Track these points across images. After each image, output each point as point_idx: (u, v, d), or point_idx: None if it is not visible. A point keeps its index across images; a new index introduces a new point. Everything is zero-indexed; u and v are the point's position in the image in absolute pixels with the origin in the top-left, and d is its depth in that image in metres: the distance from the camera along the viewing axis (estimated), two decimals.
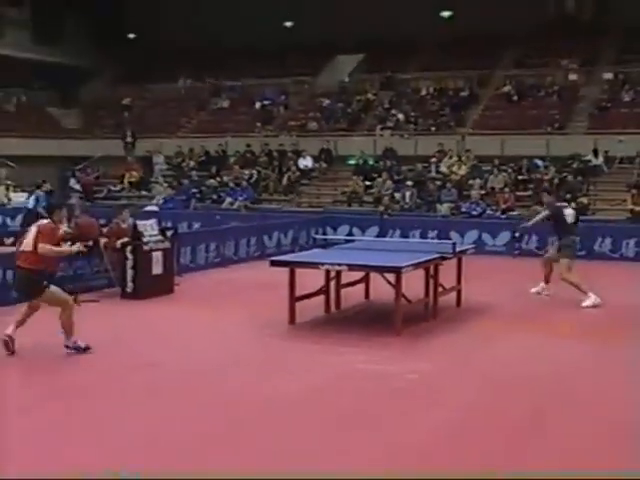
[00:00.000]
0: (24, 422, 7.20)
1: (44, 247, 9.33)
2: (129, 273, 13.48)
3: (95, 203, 26.79)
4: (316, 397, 8.13)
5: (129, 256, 13.53)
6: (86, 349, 9.59)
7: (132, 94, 36.12)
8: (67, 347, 9.58)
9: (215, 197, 27.07)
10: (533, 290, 14.09)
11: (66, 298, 9.62)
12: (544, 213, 13.89)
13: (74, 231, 11.87)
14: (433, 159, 26.31)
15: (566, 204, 14.65)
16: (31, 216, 19.67)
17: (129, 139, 32.27)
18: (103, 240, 13.88)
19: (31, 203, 22.14)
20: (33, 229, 9.56)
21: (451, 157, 26.21)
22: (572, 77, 29.60)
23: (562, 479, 6.14)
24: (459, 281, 13.11)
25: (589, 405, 7.91)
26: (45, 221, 9.67)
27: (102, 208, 23.14)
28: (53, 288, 9.52)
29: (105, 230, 14.50)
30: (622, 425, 7.30)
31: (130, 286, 13.48)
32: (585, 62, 30.11)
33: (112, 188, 29.51)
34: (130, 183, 29.50)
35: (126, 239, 13.66)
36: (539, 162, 24.86)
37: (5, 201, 26.69)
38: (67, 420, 7.32)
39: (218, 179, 28.13)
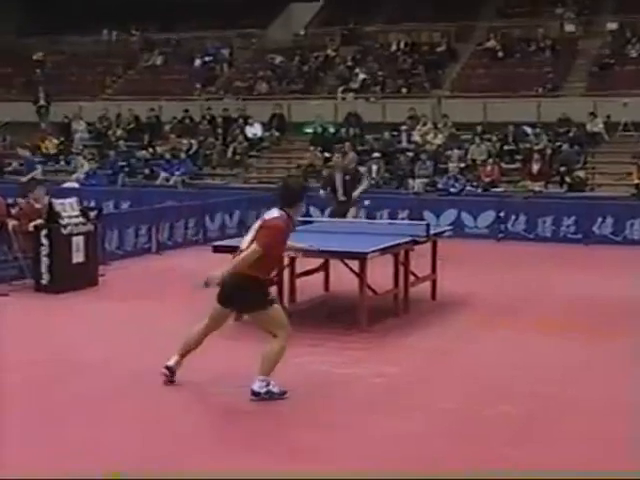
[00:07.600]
0: None
1: None
2: (44, 262, 13.38)
3: (4, 178, 26.55)
4: (261, 407, 8.16)
5: (44, 241, 13.43)
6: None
7: (45, 47, 35.66)
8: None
9: (147, 172, 26.97)
10: None
11: None
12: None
13: None
14: (404, 127, 26.39)
15: None
16: None
17: (42, 102, 31.93)
18: (12, 222, 13.78)
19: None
20: None
21: (425, 124, 26.30)
22: (568, 28, 29.78)
23: (557, 479, 6.45)
24: (434, 269, 13.22)
25: (582, 411, 8.08)
26: None
27: (11, 184, 22.92)
28: None
29: (15, 211, 14.39)
30: (620, 434, 7.47)
31: (46, 277, 13.41)
32: (584, 10, 30.33)
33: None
34: (45, 154, 29.23)
35: (40, 221, 13.58)
36: (528, 129, 25.07)
37: None
38: None
39: (151, 150, 28.00)
